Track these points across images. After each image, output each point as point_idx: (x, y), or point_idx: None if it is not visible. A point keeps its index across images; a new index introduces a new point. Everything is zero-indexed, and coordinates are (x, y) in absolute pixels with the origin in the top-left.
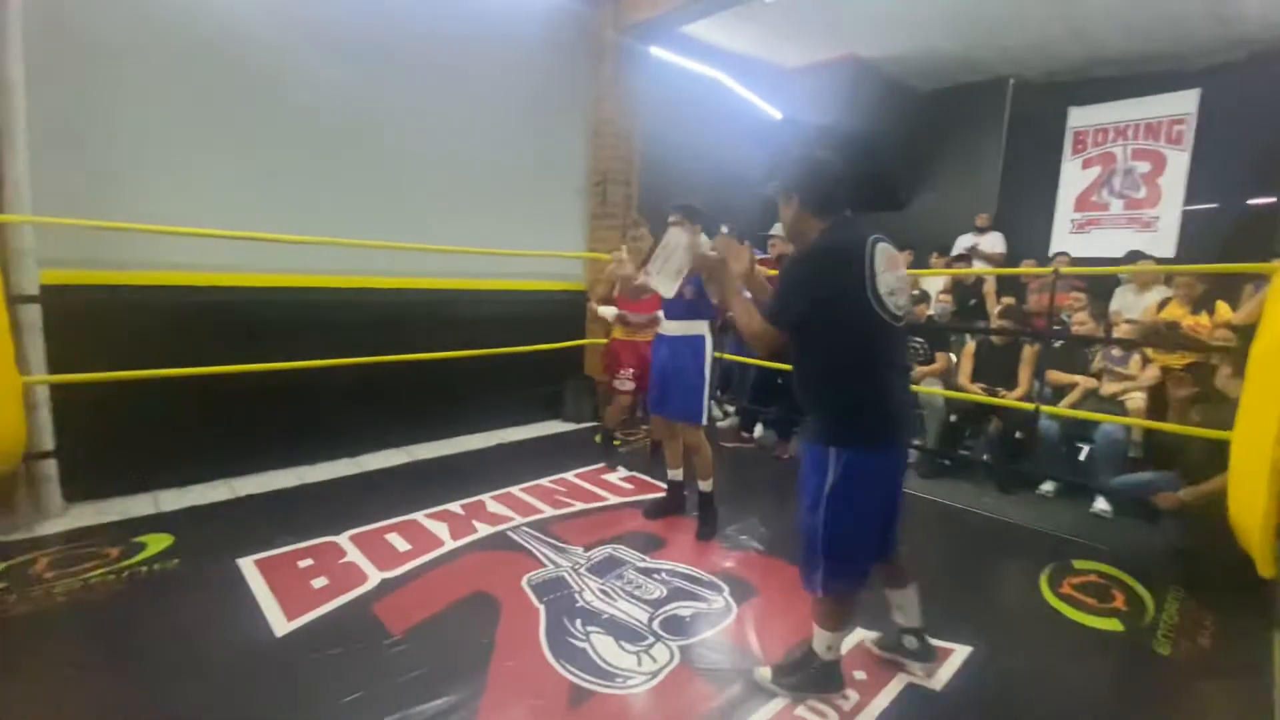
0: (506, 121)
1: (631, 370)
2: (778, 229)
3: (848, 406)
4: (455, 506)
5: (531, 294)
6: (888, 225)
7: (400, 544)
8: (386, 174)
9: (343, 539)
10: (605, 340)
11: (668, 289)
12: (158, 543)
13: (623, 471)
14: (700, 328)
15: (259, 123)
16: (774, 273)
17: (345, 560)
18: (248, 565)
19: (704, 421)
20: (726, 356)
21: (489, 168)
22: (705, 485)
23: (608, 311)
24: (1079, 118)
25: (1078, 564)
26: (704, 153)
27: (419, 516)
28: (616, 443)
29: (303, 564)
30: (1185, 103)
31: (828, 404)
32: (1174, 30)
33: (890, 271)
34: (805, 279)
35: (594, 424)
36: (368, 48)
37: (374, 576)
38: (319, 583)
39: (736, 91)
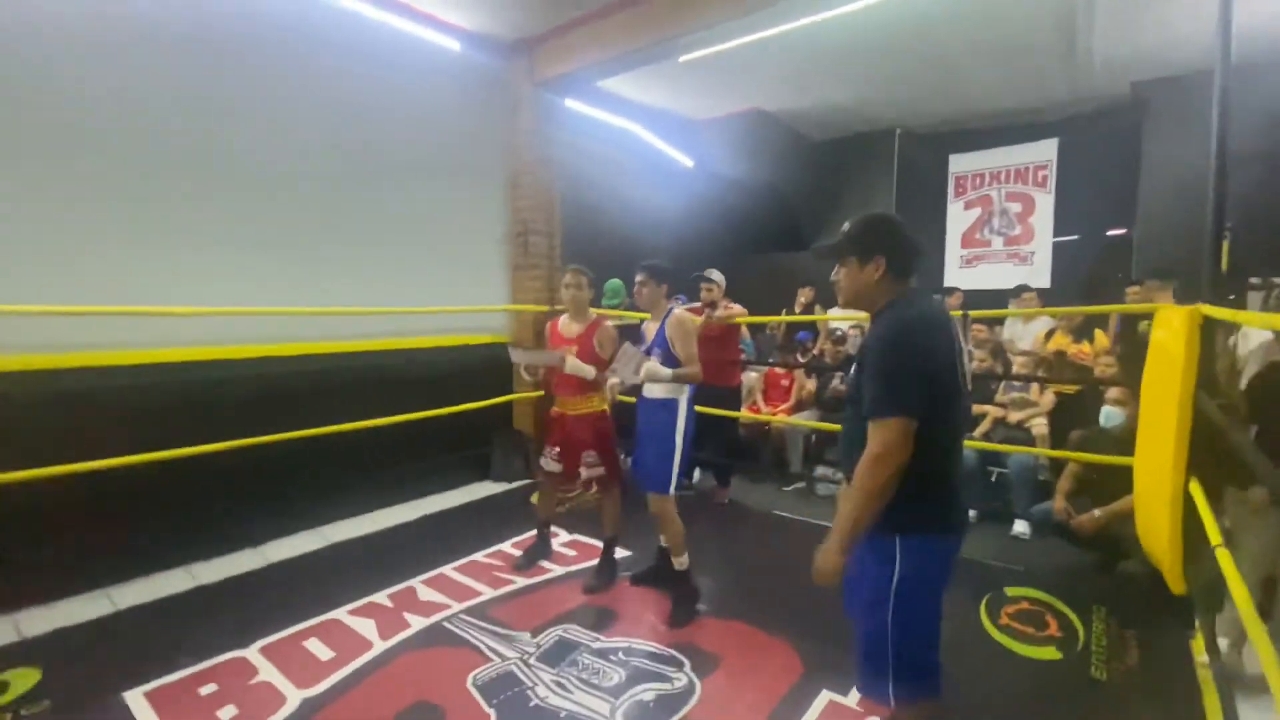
0: (423, 176)
1: (556, 449)
2: (714, 274)
3: (922, 488)
4: (382, 597)
5: (454, 350)
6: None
7: (322, 651)
8: (292, 235)
9: (252, 652)
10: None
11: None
12: (23, 680)
13: (564, 535)
14: (676, 390)
15: (123, 172)
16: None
17: (257, 680)
18: (136, 699)
19: (670, 492)
20: None
21: (406, 223)
22: (678, 562)
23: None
24: (959, 164)
25: (1010, 591)
26: (622, 198)
27: (341, 614)
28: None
29: (205, 690)
30: (1046, 150)
31: (899, 485)
32: (1033, 88)
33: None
34: (917, 350)
35: (527, 481)
36: (272, 103)
37: (293, 697)
38: (227, 713)
39: (650, 141)
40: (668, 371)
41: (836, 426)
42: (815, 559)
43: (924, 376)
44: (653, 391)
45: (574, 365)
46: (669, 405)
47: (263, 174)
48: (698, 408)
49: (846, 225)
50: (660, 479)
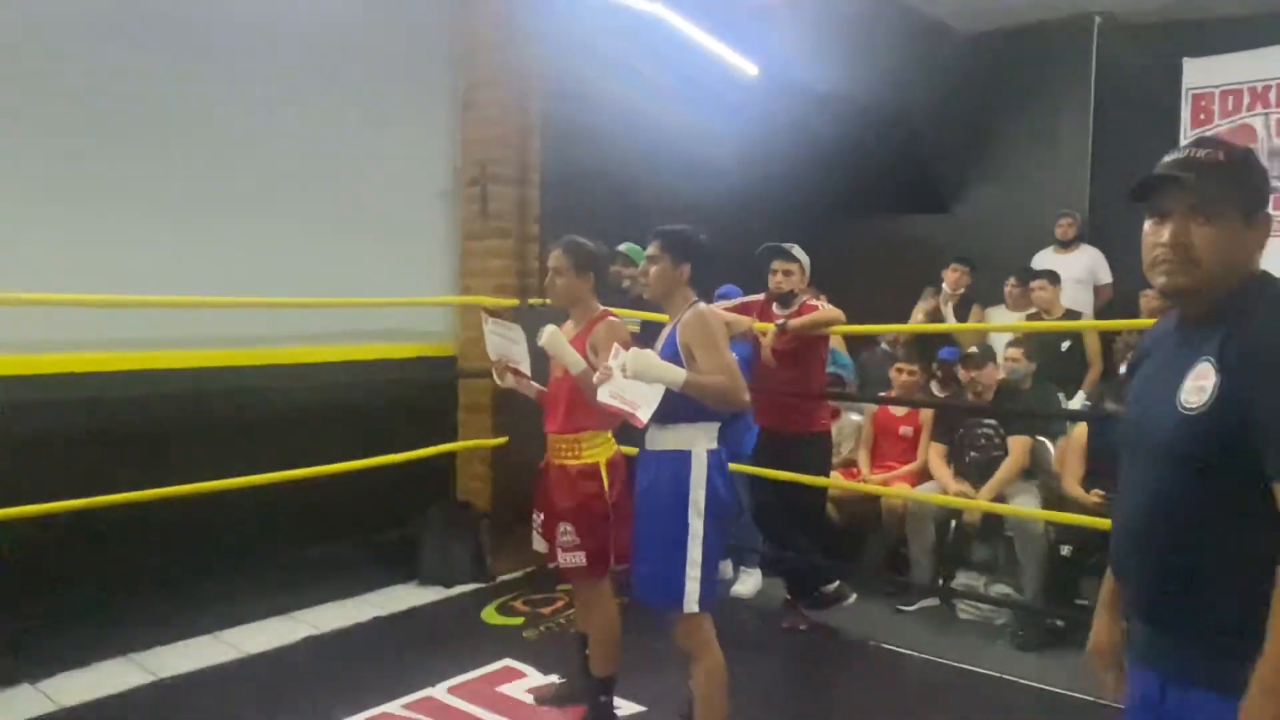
0: (317, 90)
1: (540, 517)
2: (793, 250)
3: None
4: None
5: (361, 369)
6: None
7: None
8: (98, 182)
9: None
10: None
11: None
12: None
13: (533, 677)
14: (690, 437)
15: None
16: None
17: None
18: None
19: (697, 606)
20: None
21: (286, 166)
22: None
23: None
24: (1198, 74)
25: None
26: (642, 129)
27: None
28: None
29: None
30: None
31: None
32: None
33: None
34: None
35: (478, 586)
36: None
37: None
38: None
39: (689, 36)
40: (679, 372)
41: (1038, 513)
42: None
43: None
44: (657, 440)
45: (554, 342)
46: (678, 461)
47: (32, 78)
48: (755, 469)
49: (1195, 147)
50: (669, 585)
